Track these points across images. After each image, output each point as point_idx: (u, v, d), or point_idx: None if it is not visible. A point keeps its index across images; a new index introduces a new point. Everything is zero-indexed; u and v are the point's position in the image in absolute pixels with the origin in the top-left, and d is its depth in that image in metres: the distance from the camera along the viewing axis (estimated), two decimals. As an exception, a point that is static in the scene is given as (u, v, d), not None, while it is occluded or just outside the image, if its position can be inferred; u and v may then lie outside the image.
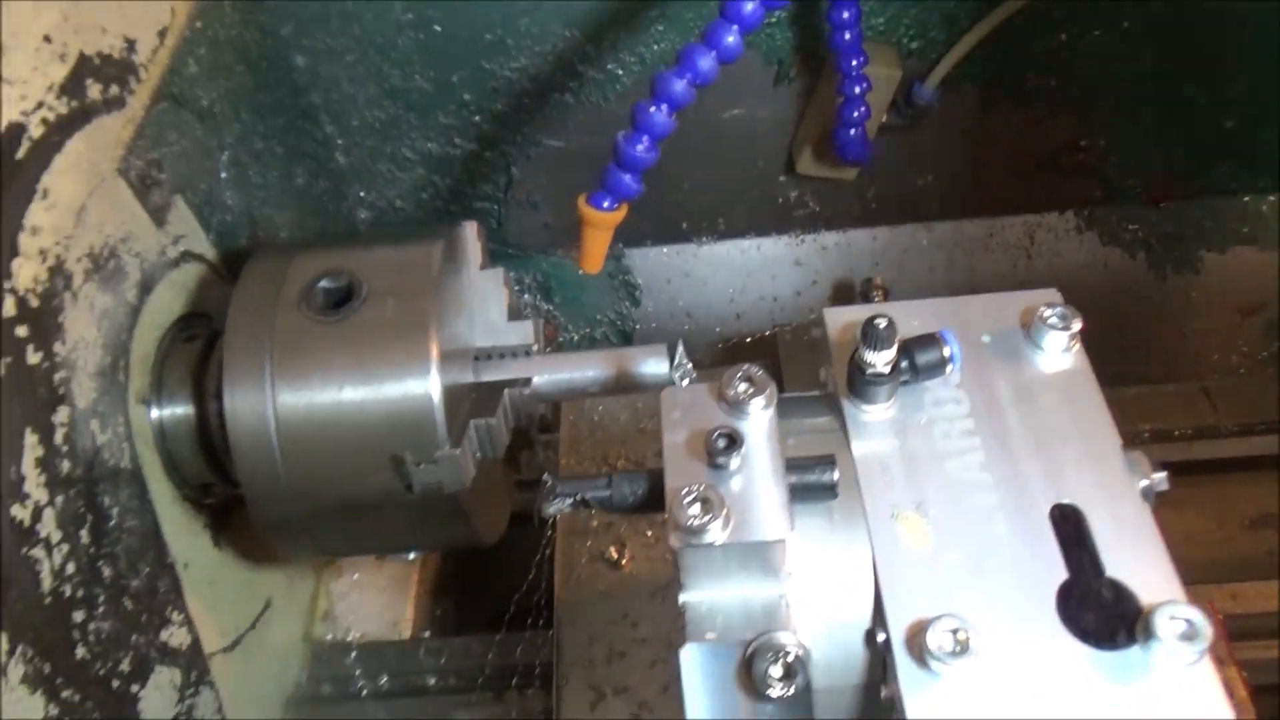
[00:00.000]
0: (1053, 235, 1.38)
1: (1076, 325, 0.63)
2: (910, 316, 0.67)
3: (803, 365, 1.05)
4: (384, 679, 0.95)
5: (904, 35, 1.13)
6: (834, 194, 1.33)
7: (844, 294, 1.36)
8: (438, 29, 1.09)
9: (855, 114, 1.02)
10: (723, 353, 1.31)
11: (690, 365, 0.70)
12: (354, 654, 0.97)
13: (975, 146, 1.28)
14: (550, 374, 0.83)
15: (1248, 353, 1.41)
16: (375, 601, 1.05)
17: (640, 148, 0.75)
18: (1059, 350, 0.64)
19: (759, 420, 0.57)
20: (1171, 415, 1.13)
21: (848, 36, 0.97)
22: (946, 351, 0.61)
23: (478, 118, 1.18)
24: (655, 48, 1.13)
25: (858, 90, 1.00)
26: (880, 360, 0.59)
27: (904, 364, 0.61)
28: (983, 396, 0.62)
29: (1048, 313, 0.64)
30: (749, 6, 0.73)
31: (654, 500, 0.57)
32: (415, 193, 1.26)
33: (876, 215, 1.36)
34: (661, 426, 0.58)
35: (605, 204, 0.78)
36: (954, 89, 1.19)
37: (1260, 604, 1.00)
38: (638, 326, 1.38)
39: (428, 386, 0.72)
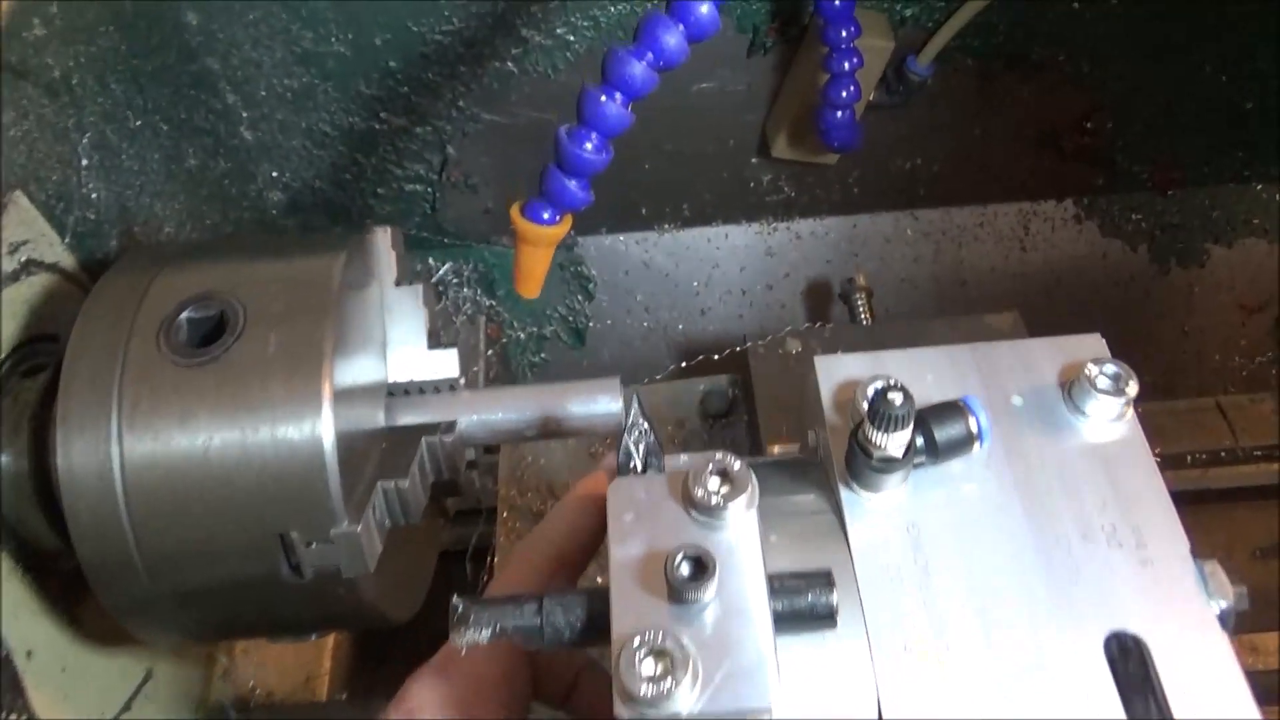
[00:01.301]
0: (1049, 225, 1.26)
1: (1132, 389, 0.50)
2: (920, 369, 0.54)
3: (777, 385, 0.92)
4: (292, 751, 0.82)
5: (897, 1, 0.99)
6: (811, 178, 1.19)
7: (820, 293, 1.23)
8: (355, -16, 0.93)
9: (844, 94, 0.87)
10: (685, 370, 1.17)
11: (648, 426, 0.56)
12: (256, 723, 0.84)
13: (970, 126, 1.14)
14: (479, 414, 0.69)
15: (1250, 352, 1.30)
16: (285, 654, 0.91)
17: (588, 146, 0.60)
18: (1108, 419, 0.51)
19: (737, 529, 0.43)
20: (1183, 436, 1.02)
21: (838, 2, 0.82)
22: (973, 425, 0.48)
23: (406, 88, 1.02)
24: (613, 9, 0.97)
25: (848, 66, 0.86)
26: (893, 444, 0.46)
27: (919, 442, 0.48)
28: (1015, 480, 0.49)
29: (1094, 371, 0.51)
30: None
31: (596, 631, 0.43)
32: (336, 173, 1.10)
33: (857, 201, 1.23)
34: (608, 535, 0.44)
35: (545, 215, 0.64)
36: (950, 62, 1.05)
37: (1281, 656, 0.90)
38: (591, 324, 1.24)
39: (318, 435, 0.58)
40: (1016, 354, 0.54)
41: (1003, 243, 1.26)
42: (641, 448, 0.54)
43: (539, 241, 0.64)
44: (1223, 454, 0.99)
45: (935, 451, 0.48)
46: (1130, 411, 0.51)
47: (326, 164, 1.09)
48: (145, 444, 0.57)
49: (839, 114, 0.89)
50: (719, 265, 1.25)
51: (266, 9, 0.93)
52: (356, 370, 0.64)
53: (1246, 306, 1.29)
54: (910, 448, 0.47)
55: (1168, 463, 0.99)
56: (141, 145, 0.84)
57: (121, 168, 0.81)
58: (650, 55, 0.59)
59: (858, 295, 1.04)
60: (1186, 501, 1.04)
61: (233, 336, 0.59)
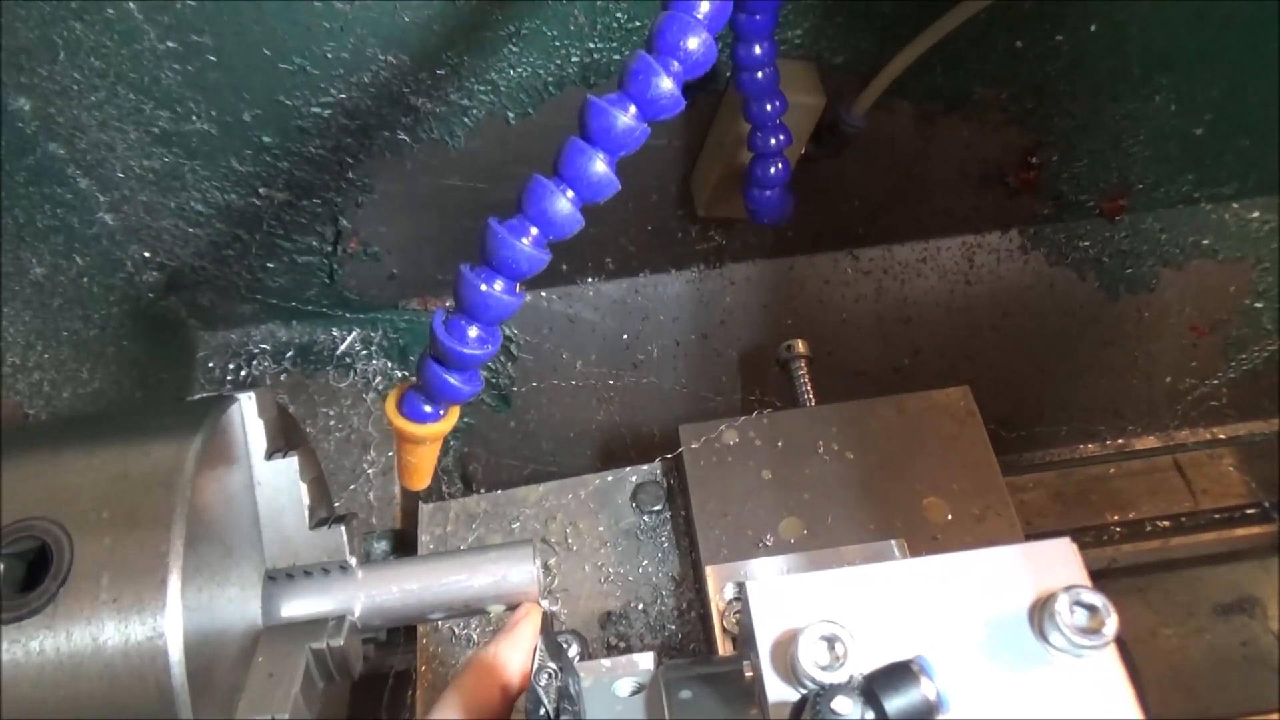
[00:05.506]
0: (994, 257, 1.19)
1: (1111, 625, 0.44)
2: (866, 599, 0.47)
3: (712, 481, 0.84)
4: None
5: (825, 50, 0.90)
6: (741, 225, 1.10)
7: (754, 362, 1.15)
8: (212, 59, 0.81)
9: (772, 172, 0.79)
10: (611, 459, 1.09)
11: (557, 667, 0.48)
12: None
13: (910, 167, 1.06)
14: (375, 599, 0.61)
15: (1201, 374, 1.26)
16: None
17: (472, 336, 0.51)
18: (1083, 658, 0.44)
19: None
20: (1141, 500, 0.97)
21: (760, 77, 0.73)
22: (930, 691, 0.41)
23: (285, 163, 0.90)
24: (511, 73, 0.87)
25: (774, 144, 0.77)
26: (839, 746, 0.39)
27: (868, 717, 0.41)
28: (981, 745, 0.43)
29: (1066, 601, 0.44)
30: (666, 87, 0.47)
31: None
32: (217, 250, 0.99)
33: (792, 244, 1.15)
34: None
35: (427, 409, 0.54)
36: (886, 107, 0.97)
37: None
38: (515, 388, 1.15)
39: (168, 690, 0.49)
40: (975, 571, 0.47)
41: (947, 278, 1.19)
42: (552, 692, 0.46)
43: (421, 439, 0.55)
44: (1183, 519, 0.94)
45: (889, 726, 0.41)
46: (1112, 650, 0.44)
47: (205, 242, 0.98)
48: (-43, 720, 0.48)
49: (767, 193, 0.81)
50: (648, 316, 1.17)
51: (110, 90, 0.81)
52: (217, 579, 0.55)
53: (1197, 329, 1.24)
54: (860, 732, 0.40)
55: (1128, 533, 0.95)
56: (-32, 271, 0.73)
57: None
58: (536, 229, 0.50)
59: (797, 364, 0.97)
60: (1147, 571, 0.96)
61: (56, 582, 0.49)
